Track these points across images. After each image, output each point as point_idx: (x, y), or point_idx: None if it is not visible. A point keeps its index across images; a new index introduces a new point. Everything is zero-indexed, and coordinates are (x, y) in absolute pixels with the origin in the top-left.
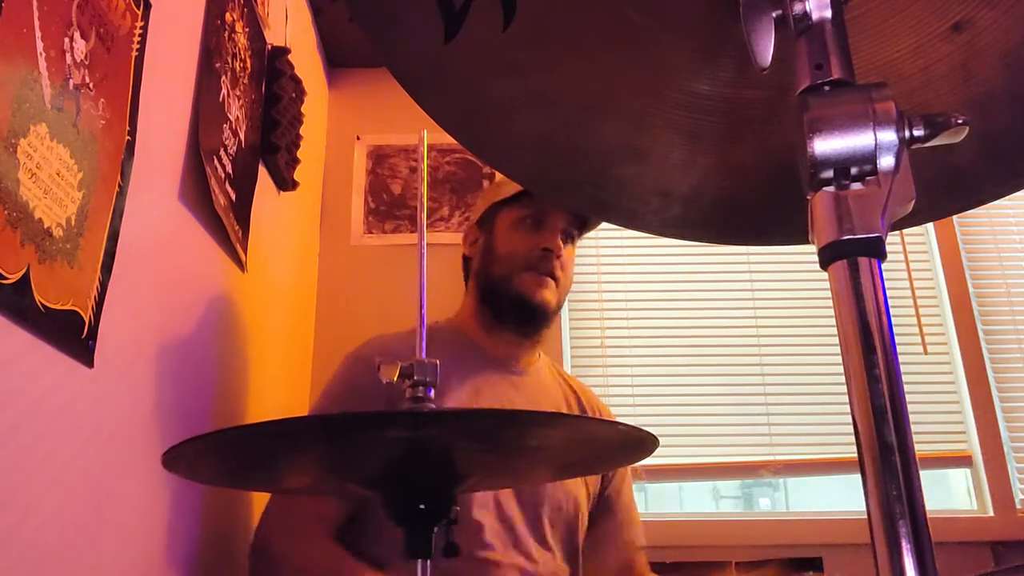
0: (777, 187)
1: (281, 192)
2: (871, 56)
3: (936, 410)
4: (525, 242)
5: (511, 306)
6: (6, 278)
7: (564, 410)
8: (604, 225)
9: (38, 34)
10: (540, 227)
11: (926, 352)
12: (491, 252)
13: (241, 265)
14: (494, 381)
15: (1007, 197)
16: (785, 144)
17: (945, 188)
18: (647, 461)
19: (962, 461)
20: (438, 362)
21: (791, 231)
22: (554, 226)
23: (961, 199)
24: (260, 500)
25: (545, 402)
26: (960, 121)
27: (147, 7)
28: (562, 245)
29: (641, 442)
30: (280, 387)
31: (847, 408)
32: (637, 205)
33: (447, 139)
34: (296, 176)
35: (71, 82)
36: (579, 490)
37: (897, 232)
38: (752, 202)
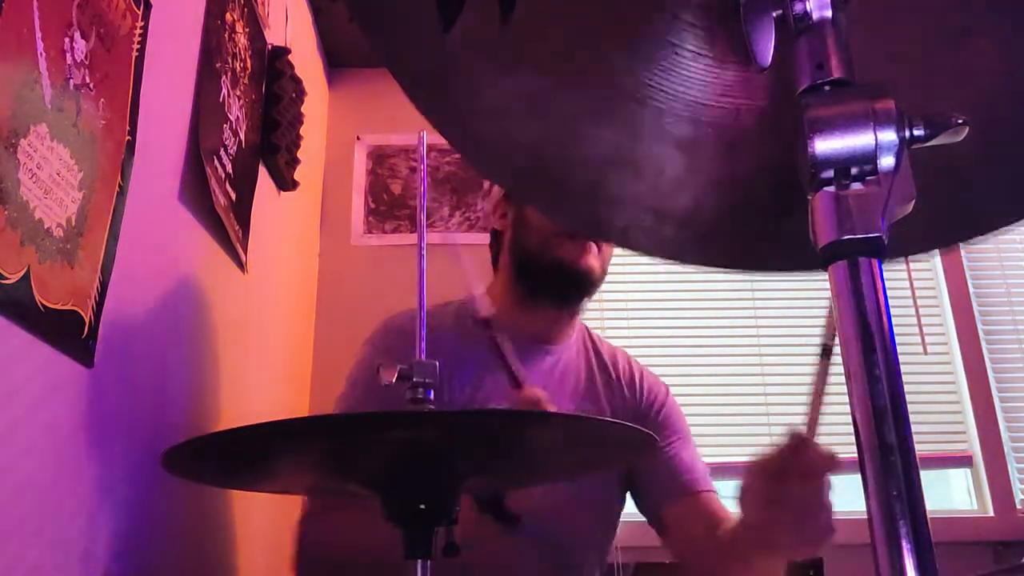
0: (776, 210)
1: (281, 192)
2: (871, 56)
3: (936, 410)
4: None
5: (552, 276)
6: (6, 278)
7: (580, 393)
8: None
9: (38, 34)
10: None
11: (926, 352)
12: (525, 222)
13: (241, 265)
14: (500, 375)
15: None
16: (785, 160)
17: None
18: None
19: (962, 461)
20: (437, 363)
21: (789, 257)
22: None
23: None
24: (257, 499)
25: (557, 391)
26: (960, 121)
27: (147, 7)
28: None
29: (641, 442)
30: (280, 387)
31: (847, 408)
32: (628, 223)
33: None
34: (296, 176)
35: (71, 82)
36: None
37: None
38: (750, 224)
